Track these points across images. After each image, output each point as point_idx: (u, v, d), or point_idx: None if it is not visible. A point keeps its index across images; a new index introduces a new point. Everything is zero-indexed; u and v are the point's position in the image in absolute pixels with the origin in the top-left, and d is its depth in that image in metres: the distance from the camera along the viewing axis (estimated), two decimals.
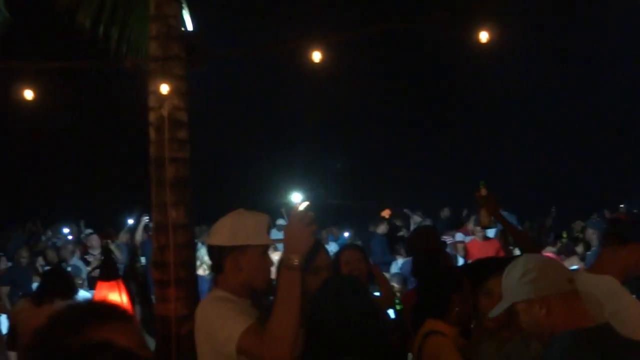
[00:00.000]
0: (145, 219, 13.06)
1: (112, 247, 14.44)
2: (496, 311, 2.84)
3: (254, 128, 20.63)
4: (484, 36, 5.57)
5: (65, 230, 19.44)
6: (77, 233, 18.41)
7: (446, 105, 22.61)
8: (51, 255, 16.02)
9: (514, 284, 2.70)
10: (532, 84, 21.49)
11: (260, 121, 20.81)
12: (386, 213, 15.84)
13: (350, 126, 21.66)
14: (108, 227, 12.84)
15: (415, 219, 14.62)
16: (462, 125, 22.85)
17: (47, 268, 13.35)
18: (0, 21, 9.03)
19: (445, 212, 16.07)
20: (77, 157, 20.16)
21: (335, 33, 5.91)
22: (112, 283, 5.45)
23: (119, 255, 14.08)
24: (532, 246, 4.68)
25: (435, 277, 3.61)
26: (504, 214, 13.18)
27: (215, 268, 3.23)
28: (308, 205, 2.73)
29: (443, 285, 3.46)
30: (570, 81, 21.32)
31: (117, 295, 5.35)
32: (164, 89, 6.44)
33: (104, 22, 8.00)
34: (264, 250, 3.06)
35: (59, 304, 4.49)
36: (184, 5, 8.12)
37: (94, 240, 13.81)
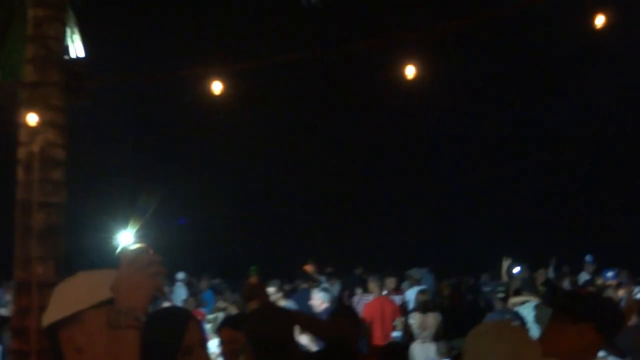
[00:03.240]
0: None
1: None
2: None
3: (143, 167, 19.36)
4: (410, 71, 4.93)
5: None
6: None
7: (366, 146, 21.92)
8: None
9: None
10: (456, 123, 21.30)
11: (149, 161, 19.53)
12: (309, 268, 14.78)
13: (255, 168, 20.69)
14: None
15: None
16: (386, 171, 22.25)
17: None
18: None
19: (360, 270, 15.22)
20: None
21: (238, 61, 5.19)
22: None
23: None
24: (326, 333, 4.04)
25: None
26: (421, 271, 12.67)
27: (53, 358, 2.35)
28: (143, 247, 2.10)
29: None
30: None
31: None
32: (32, 119, 5.51)
33: None
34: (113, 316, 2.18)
35: None
36: (73, 29, 7.26)
37: None
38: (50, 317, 2.26)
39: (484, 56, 18.65)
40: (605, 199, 20.29)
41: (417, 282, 12.03)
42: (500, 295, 9.46)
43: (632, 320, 6.74)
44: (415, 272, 12.56)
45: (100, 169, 16.59)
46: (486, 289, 15.00)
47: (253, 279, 3.86)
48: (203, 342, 2.97)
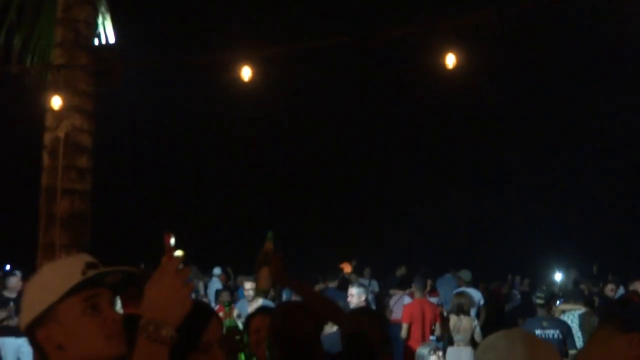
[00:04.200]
0: None
1: None
2: None
3: (174, 158, 19.12)
4: (450, 60, 4.74)
5: None
6: None
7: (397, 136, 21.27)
8: None
9: None
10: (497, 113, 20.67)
11: (180, 149, 19.27)
12: (347, 268, 14.59)
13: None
14: None
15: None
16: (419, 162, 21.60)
17: None
18: None
19: (402, 271, 14.95)
20: None
21: (268, 46, 5.06)
22: None
23: None
24: (336, 314, 3.76)
25: None
26: (469, 274, 12.45)
27: None
28: (183, 256, 2.03)
29: None
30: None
31: None
32: (57, 102, 5.47)
33: (7, 25, 7.03)
34: (89, 303, 2.05)
35: None
36: (105, 15, 7.23)
37: (13, 282, 12.54)
38: (25, 318, 2.15)
39: (526, 46, 18.01)
40: None
41: (467, 284, 11.83)
42: (540, 301, 9.21)
43: None
44: (464, 274, 12.34)
45: (131, 155, 16.65)
46: (514, 291, 14.73)
47: (268, 245, 3.68)
48: (222, 341, 2.88)
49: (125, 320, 4.49)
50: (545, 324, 7.53)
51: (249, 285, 8.78)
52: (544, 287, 13.93)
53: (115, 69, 6.24)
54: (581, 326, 8.05)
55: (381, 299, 12.85)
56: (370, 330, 4.02)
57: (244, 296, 10.92)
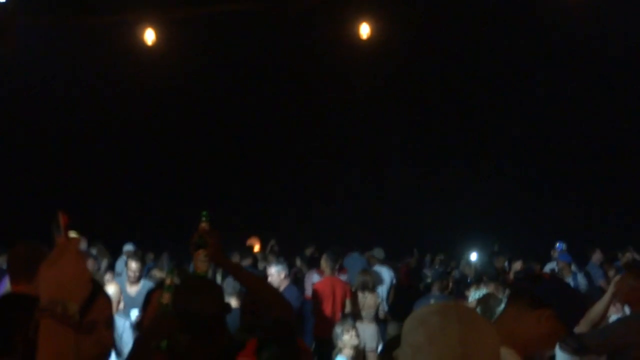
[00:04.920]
0: None
1: None
2: None
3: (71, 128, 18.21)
4: (364, 30, 4.61)
5: None
6: None
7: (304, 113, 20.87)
8: None
9: None
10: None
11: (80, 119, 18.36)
12: (256, 244, 14.37)
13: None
14: None
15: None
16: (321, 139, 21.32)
17: None
18: None
19: (311, 250, 14.86)
20: None
21: (174, 8, 4.78)
22: None
23: None
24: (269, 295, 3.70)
25: None
26: (382, 251, 12.48)
27: None
28: (80, 237, 1.98)
29: None
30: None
31: None
32: None
33: None
34: None
35: None
36: None
37: None
38: None
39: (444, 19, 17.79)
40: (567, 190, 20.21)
41: (380, 262, 11.96)
42: (428, 280, 9.40)
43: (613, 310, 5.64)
44: (377, 252, 12.47)
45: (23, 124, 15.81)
46: (424, 270, 15.06)
47: (204, 225, 3.50)
48: (109, 321, 2.71)
49: (14, 299, 4.14)
50: (432, 302, 7.62)
51: (134, 266, 8.28)
52: (436, 267, 14.22)
53: (6, 27, 5.79)
54: (480, 307, 8.18)
55: (293, 277, 12.85)
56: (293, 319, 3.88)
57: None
